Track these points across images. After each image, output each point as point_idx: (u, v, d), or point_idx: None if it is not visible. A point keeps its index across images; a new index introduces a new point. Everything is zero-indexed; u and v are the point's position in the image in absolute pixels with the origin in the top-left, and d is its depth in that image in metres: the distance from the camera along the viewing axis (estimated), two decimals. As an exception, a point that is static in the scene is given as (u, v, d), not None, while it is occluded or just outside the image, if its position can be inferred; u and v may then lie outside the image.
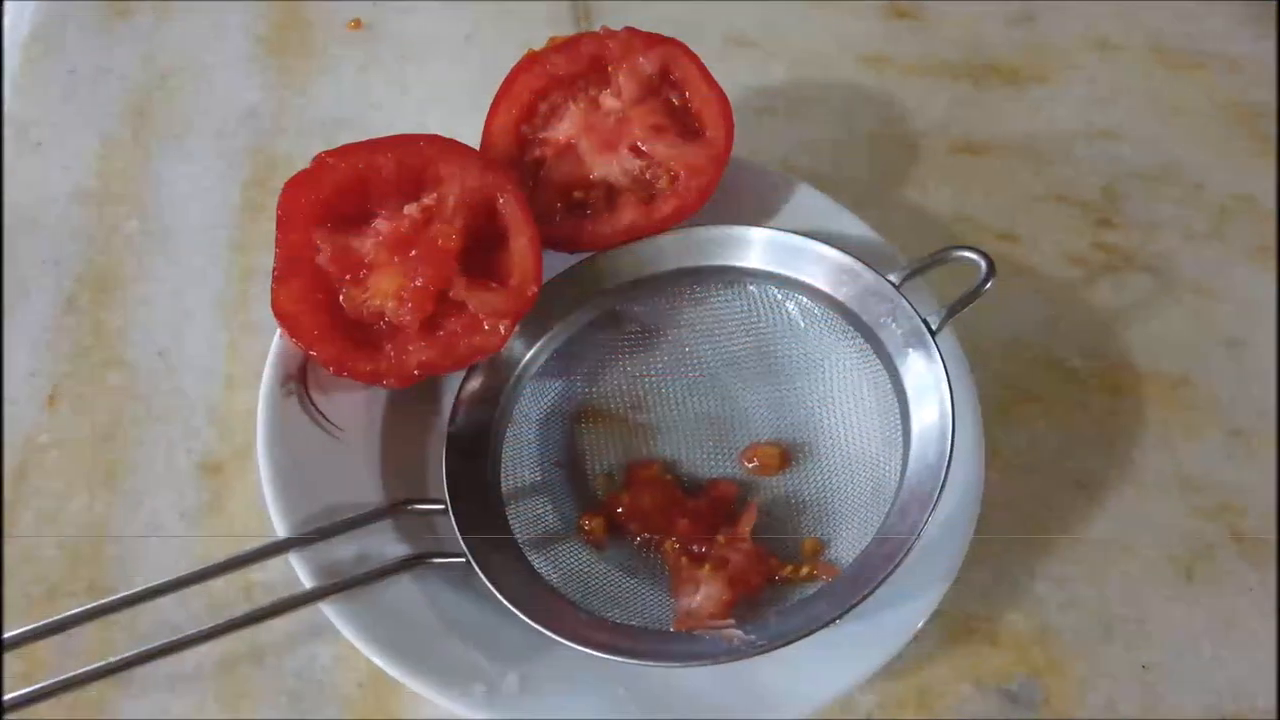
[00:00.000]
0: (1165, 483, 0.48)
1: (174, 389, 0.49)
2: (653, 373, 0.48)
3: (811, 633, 0.35)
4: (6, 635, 0.35)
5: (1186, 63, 0.65)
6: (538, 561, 0.41)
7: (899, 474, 0.39)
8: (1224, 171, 0.60)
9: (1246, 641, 0.44)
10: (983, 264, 0.40)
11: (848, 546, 0.41)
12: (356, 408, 0.44)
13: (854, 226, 0.48)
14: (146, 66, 0.60)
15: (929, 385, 0.39)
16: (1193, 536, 0.47)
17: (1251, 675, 0.43)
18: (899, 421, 0.41)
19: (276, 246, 0.42)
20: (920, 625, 0.38)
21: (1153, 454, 0.49)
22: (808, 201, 0.49)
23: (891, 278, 0.42)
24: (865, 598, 0.35)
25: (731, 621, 0.37)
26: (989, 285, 0.40)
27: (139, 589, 0.37)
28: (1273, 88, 0.64)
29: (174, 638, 0.36)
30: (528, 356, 0.46)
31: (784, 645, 0.35)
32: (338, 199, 0.43)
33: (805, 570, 0.41)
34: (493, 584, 0.38)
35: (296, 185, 0.43)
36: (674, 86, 0.48)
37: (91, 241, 0.53)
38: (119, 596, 0.37)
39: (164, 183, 0.56)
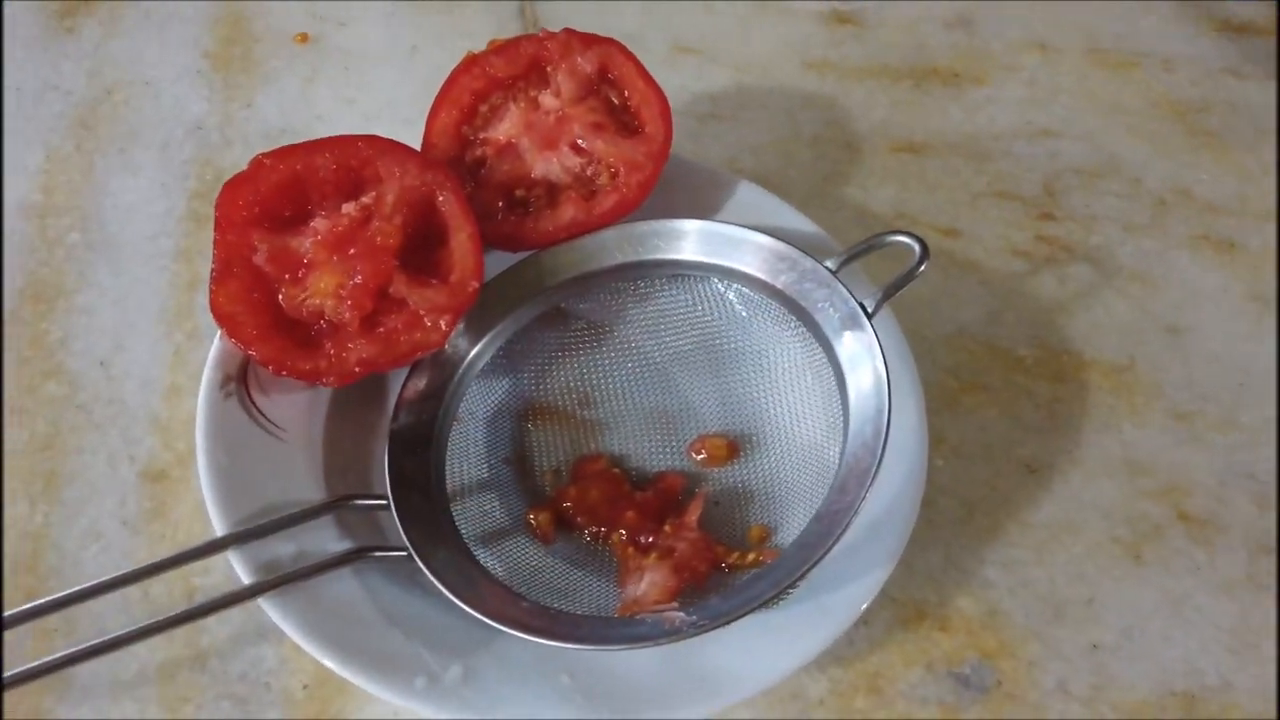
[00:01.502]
0: (1112, 466, 0.49)
1: (115, 398, 0.48)
2: (599, 368, 0.48)
3: (752, 610, 0.35)
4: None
5: (1122, 62, 0.67)
6: (483, 556, 0.41)
7: (839, 452, 0.39)
8: (1161, 166, 0.62)
9: (1195, 619, 0.44)
10: (916, 247, 0.41)
11: (794, 531, 0.41)
12: (298, 408, 0.43)
13: (794, 220, 0.49)
14: (92, 81, 0.60)
15: (866, 366, 0.39)
16: (1140, 518, 0.47)
17: (1201, 652, 0.44)
18: (839, 406, 0.41)
19: (214, 248, 0.42)
20: (865, 606, 0.38)
21: (1099, 438, 0.50)
22: (748, 197, 0.50)
23: (828, 264, 0.42)
24: (805, 573, 0.35)
25: (675, 605, 0.37)
26: (923, 268, 0.41)
27: (76, 589, 0.36)
28: (1204, 85, 0.66)
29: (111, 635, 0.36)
30: (472, 354, 0.45)
31: (725, 624, 0.35)
32: (275, 200, 0.43)
33: (752, 556, 0.41)
34: (434, 575, 0.37)
35: (234, 187, 0.43)
36: (612, 85, 0.48)
37: (34, 253, 0.53)
38: (55, 597, 0.36)
39: (108, 194, 0.55)
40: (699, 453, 0.45)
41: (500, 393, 0.47)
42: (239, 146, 0.58)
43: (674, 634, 0.35)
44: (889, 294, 0.41)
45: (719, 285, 0.46)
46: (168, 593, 0.43)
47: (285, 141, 0.44)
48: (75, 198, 0.55)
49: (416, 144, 0.47)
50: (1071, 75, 0.66)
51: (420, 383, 0.44)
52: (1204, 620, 0.44)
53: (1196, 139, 0.63)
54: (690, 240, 0.46)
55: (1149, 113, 0.64)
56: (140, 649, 0.41)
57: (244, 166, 0.43)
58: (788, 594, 0.37)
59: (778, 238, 0.44)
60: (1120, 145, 0.62)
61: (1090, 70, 0.66)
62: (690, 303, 0.47)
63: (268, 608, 0.37)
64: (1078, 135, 0.63)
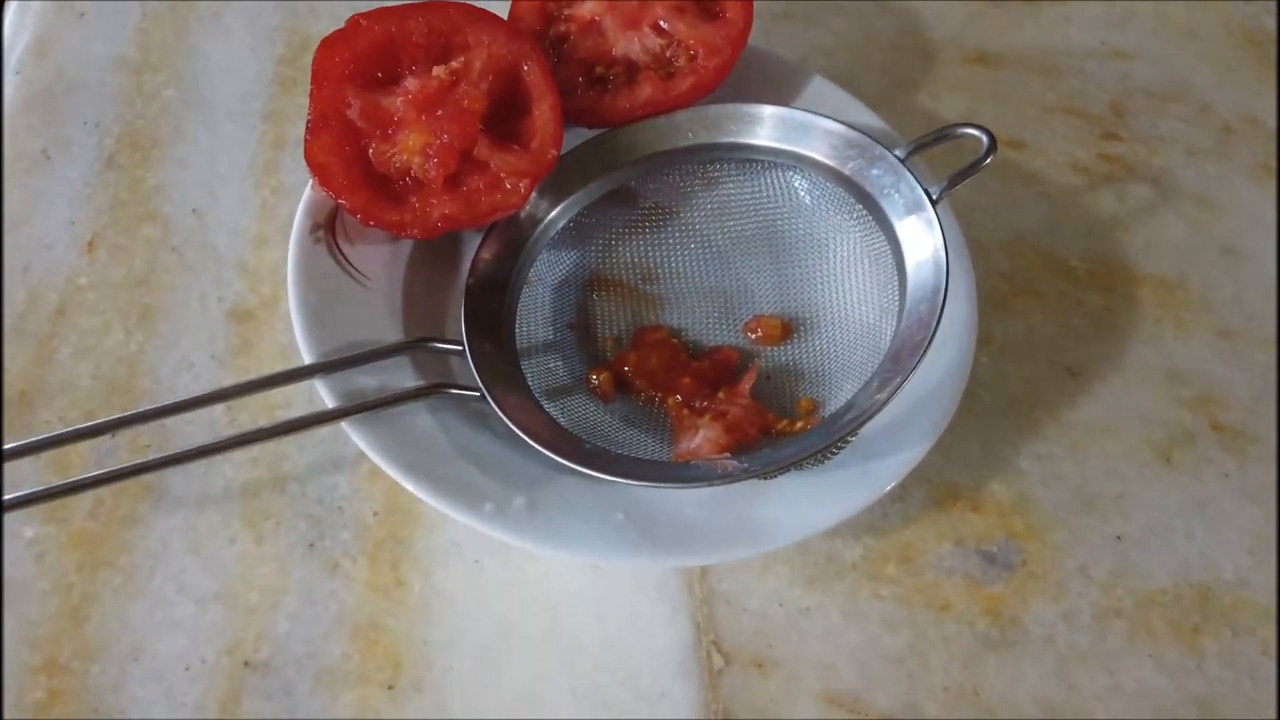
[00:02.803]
0: (1152, 374, 0.50)
1: (206, 243, 0.51)
2: (663, 247, 0.50)
3: (801, 459, 0.37)
4: (37, 438, 0.38)
5: (1202, -12, 0.66)
6: (548, 407, 0.43)
7: (894, 330, 0.41)
8: (1231, 94, 0.62)
9: (1218, 521, 0.46)
10: (984, 139, 0.42)
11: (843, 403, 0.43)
12: (382, 258, 0.46)
13: (864, 115, 0.50)
14: (185, -56, 0.62)
15: (927, 247, 0.41)
16: (1174, 424, 0.49)
17: (1220, 550, 0.46)
18: (896, 290, 0.43)
19: (310, 101, 0.44)
20: (903, 476, 0.40)
21: (1142, 348, 0.51)
22: (821, 91, 0.51)
23: (897, 152, 0.44)
24: (854, 429, 0.37)
25: (727, 455, 0.40)
26: (989, 160, 0.42)
27: (167, 403, 0.40)
28: (1286, 16, 0.65)
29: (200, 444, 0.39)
30: (545, 222, 0.48)
31: (776, 472, 0.38)
32: (370, 59, 0.45)
33: (800, 424, 0.43)
34: (503, 413, 0.40)
35: (331, 44, 0.45)
36: (697, -30, 0.49)
37: (131, 105, 0.55)
38: (146, 409, 0.39)
39: (200, 55, 0.58)
40: (754, 331, 0.48)
41: (569, 262, 0.49)
42: (326, 18, 0.60)
43: (726, 477, 0.37)
44: (955, 182, 0.42)
45: (787, 173, 0.48)
46: (252, 421, 0.46)
47: (376, 7, 0.46)
48: (170, 56, 0.58)
49: (503, 9, 0.48)
50: (1150, -2, 0.66)
51: (496, 244, 0.47)
52: (1227, 523, 0.46)
53: (1268, 69, 0.63)
54: (764, 125, 0.47)
55: (1224, 40, 0.64)
56: (227, 468, 0.45)
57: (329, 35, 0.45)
58: (833, 453, 0.40)
59: (846, 124, 0.45)
60: (1192, 71, 0.62)
61: (1169, -6, 0.66)
62: (756, 189, 0.49)
63: (351, 431, 0.40)
64: (1151, 58, 0.63)
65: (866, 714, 0.41)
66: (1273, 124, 0.60)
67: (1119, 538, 0.46)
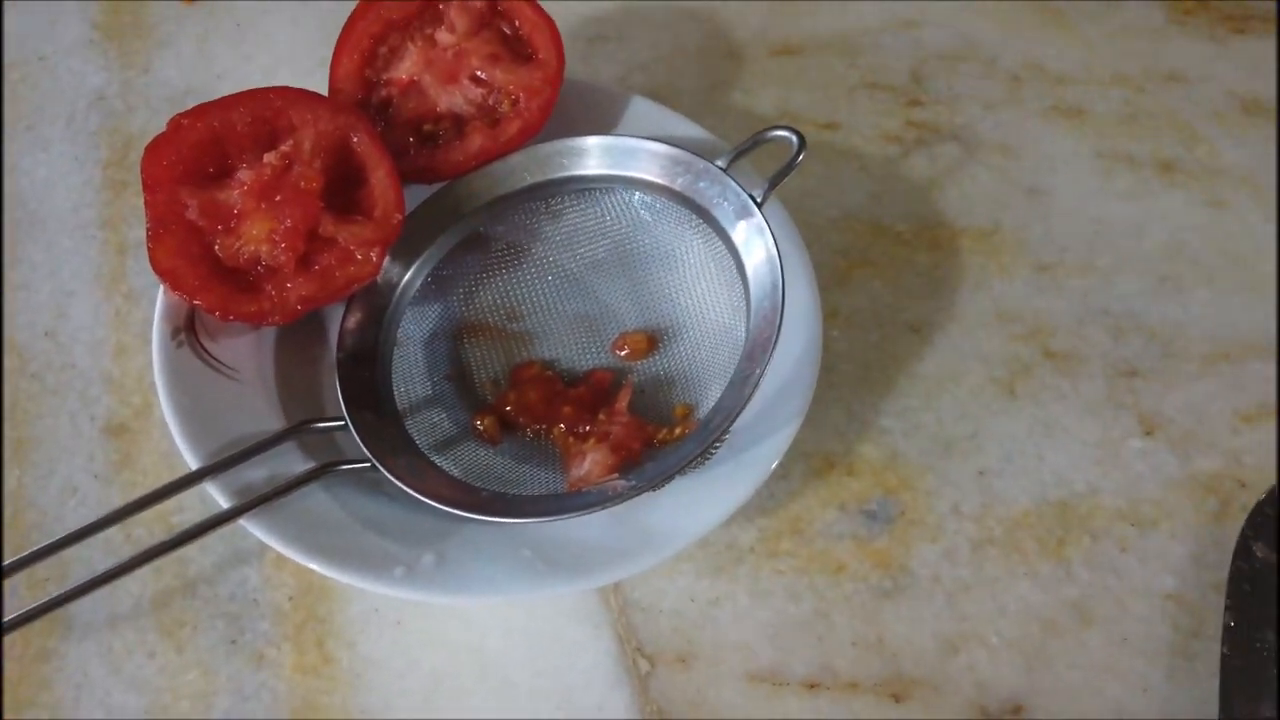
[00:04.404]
0: (985, 317, 0.55)
1: (65, 364, 0.51)
2: (523, 284, 0.52)
3: (682, 469, 0.40)
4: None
5: (972, -49, 0.72)
6: (439, 462, 0.45)
7: (745, 329, 0.44)
8: (1014, 45, 0.67)
9: (1064, 439, 0.51)
10: (794, 138, 0.46)
11: (713, 404, 0.46)
12: (247, 349, 0.47)
13: (685, 128, 0.53)
14: (-16, 63, 0.61)
15: (760, 248, 0.44)
16: (1012, 359, 0.54)
17: (1070, 466, 0.50)
18: (741, 290, 0.46)
19: (146, 208, 0.45)
20: (778, 460, 0.43)
21: (973, 295, 0.56)
22: (642, 110, 0.54)
23: (719, 163, 0.47)
24: (723, 431, 0.40)
25: (615, 476, 0.42)
26: (801, 157, 0.46)
27: (63, 535, 0.40)
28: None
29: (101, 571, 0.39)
30: (404, 282, 0.49)
31: (660, 484, 0.40)
32: (197, 157, 0.46)
33: (678, 430, 0.46)
34: (396, 478, 0.42)
35: (156, 148, 0.45)
36: (503, 17, 0.51)
37: (-42, 238, 0.54)
38: (44, 545, 0.39)
39: (22, 173, 0.57)
40: (622, 349, 0.50)
41: (434, 315, 0.51)
42: (143, 111, 0.59)
43: (616, 498, 0.40)
44: (774, 183, 0.46)
45: (623, 194, 0.50)
46: (149, 534, 0.46)
47: (191, 102, 0.46)
48: (-11, 179, 0.56)
49: (321, 89, 0.49)
50: (928, -33, 0.71)
51: (359, 313, 0.48)
52: (1071, 439, 0.51)
53: (1044, 17, 0.69)
54: (592, 155, 0.49)
55: (1000, -4, 0.70)
56: (132, 585, 0.45)
57: (152, 131, 0.45)
58: (711, 453, 0.43)
59: (671, 144, 0.48)
60: (976, 29, 0.68)
61: (944, -39, 0.71)
62: (599, 214, 0.51)
63: (251, 526, 0.41)
64: (938, 23, 0.68)
65: (787, 682, 0.44)
66: (1055, 66, 0.66)
67: (981, 472, 0.50)
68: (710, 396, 0.47)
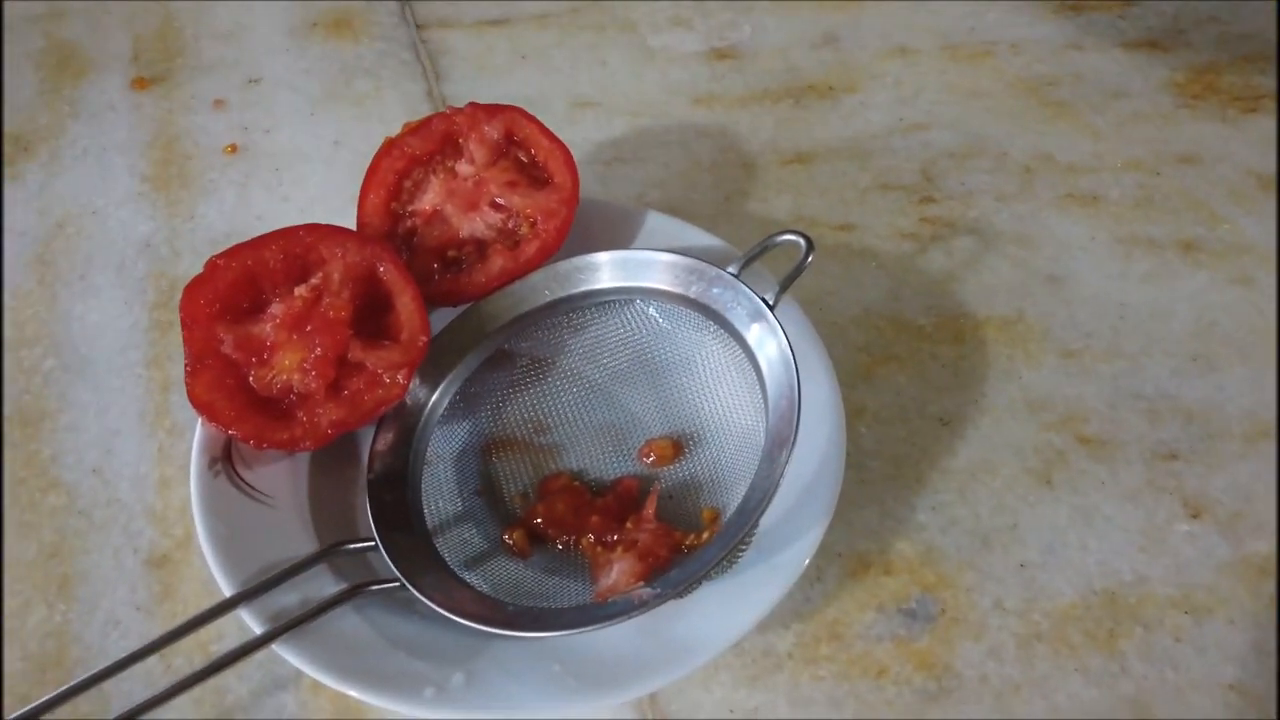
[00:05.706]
0: (1015, 408, 0.55)
1: (111, 499, 0.52)
2: (548, 397, 0.53)
3: (707, 573, 0.40)
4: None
5: (975, 53, 0.74)
6: (469, 578, 0.45)
7: (765, 430, 0.45)
8: (1023, 138, 0.68)
9: (1105, 528, 0.50)
10: (802, 242, 0.47)
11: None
12: (282, 475, 0.48)
13: (699, 237, 0.54)
14: (43, 219, 0.65)
15: (774, 349, 0.45)
16: (1045, 448, 0.53)
17: (1115, 554, 0.49)
18: (760, 391, 0.47)
19: (185, 345, 0.47)
20: (809, 557, 0.43)
21: (1000, 385, 0.56)
22: (656, 224, 0.55)
23: (730, 269, 0.48)
24: (747, 534, 0.40)
25: (641, 584, 0.42)
26: (810, 259, 0.46)
27: (102, 667, 0.40)
28: (1050, 61, 0.73)
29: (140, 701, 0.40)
30: (431, 402, 0.50)
31: (687, 590, 0.40)
32: (233, 294, 0.48)
33: (705, 535, 0.46)
34: (425, 597, 0.42)
35: (194, 289, 0.48)
36: (520, 145, 0.54)
37: (13, 383, 0.57)
38: (85, 677, 0.40)
39: (74, 319, 0.60)
40: (648, 456, 0.50)
41: (463, 433, 0.52)
42: (188, 256, 0.63)
43: (642, 607, 0.40)
44: (785, 285, 0.46)
45: (641, 304, 0.52)
46: (188, 663, 0.47)
47: (231, 244, 0.49)
48: (44, 327, 0.60)
49: (352, 226, 0.52)
50: (932, 72, 0.73)
51: (389, 435, 0.49)
52: (1113, 527, 0.50)
53: (1050, 109, 0.70)
54: (608, 269, 0.51)
55: (1005, 93, 0.71)
56: (170, 716, 0.45)
57: (195, 273, 0.47)
58: (738, 557, 0.42)
59: (683, 254, 0.50)
60: (984, 126, 0.69)
61: (948, 65, 0.73)
62: (618, 325, 0.53)
63: (283, 651, 0.41)
64: (945, 124, 0.69)
65: (833, 795, 0.43)
66: (1065, 156, 0.67)
67: (1022, 565, 0.49)
68: (737, 499, 0.47)
